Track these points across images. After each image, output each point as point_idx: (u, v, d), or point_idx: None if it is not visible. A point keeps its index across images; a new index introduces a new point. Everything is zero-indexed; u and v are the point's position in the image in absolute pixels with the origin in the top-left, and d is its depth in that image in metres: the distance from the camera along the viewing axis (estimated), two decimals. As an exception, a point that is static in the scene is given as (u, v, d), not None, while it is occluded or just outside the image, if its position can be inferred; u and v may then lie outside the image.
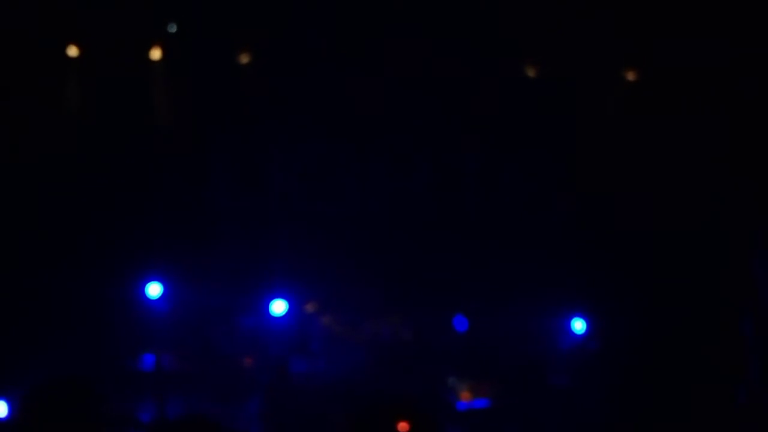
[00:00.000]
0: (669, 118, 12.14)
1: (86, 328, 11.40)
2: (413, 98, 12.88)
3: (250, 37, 13.01)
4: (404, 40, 12.64)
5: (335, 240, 13.22)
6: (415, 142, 13.41)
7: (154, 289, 11.89)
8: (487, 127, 13.04)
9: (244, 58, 12.98)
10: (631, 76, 12.68)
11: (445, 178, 13.57)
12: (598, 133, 12.76)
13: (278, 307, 12.13)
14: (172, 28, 12.78)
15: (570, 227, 12.90)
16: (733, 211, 11.29)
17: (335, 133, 13.34)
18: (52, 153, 12.46)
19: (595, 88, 12.77)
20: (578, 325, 12.06)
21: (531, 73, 12.89)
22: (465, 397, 11.13)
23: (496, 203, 13.53)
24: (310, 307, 12.59)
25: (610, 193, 12.46)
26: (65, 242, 12.11)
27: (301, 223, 13.30)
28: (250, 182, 13.51)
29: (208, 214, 13.24)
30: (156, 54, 12.72)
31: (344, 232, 13.35)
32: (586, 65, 12.52)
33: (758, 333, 9.93)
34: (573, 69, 12.59)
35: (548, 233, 12.98)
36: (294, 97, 13.17)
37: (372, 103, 12.96)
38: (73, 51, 12.49)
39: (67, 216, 12.28)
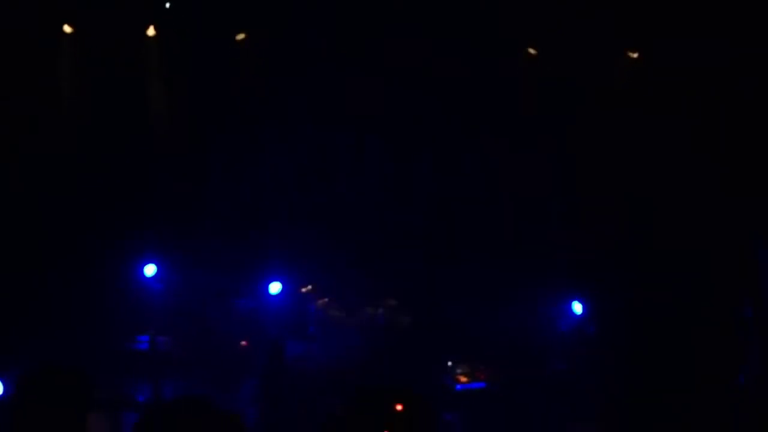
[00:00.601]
0: (669, 109, 12.13)
1: (83, 309, 11.39)
2: (413, 89, 12.85)
3: (247, 25, 12.98)
4: (404, 34, 12.62)
5: (333, 224, 13.20)
6: (414, 131, 13.37)
7: (149, 270, 11.88)
8: (488, 119, 13.02)
9: (242, 41, 12.95)
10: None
11: (443, 166, 13.55)
12: (597, 124, 12.74)
13: (274, 287, 12.12)
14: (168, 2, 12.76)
15: (570, 209, 12.89)
16: (736, 196, 11.27)
17: (334, 122, 13.31)
18: (49, 136, 12.44)
19: (593, 86, 12.77)
20: (577, 308, 12.07)
21: (531, 54, 12.88)
22: (462, 379, 11.12)
23: (495, 190, 13.51)
24: (306, 291, 12.57)
25: (613, 178, 12.45)
26: (61, 225, 12.08)
27: (299, 208, 13.29)
28: (248, 166, 13.48)
29: (205, 198, 13.22)
30: (151, 32, 12.70)
31: (343, 216, 13.34)
32: (585, 62, 12.51)
33: (759, 316, 9.93)
34: (572, 67, 12.58)
35: (547, 217, 12.97)
36: (291, 86, 13.14)
37: (371, 95, 12.93)
38: (67, 30, 12.46)
39: (63, 199, 12.25)
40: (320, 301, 12.45)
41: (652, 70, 12.29)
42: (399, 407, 3.20)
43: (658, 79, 12.23)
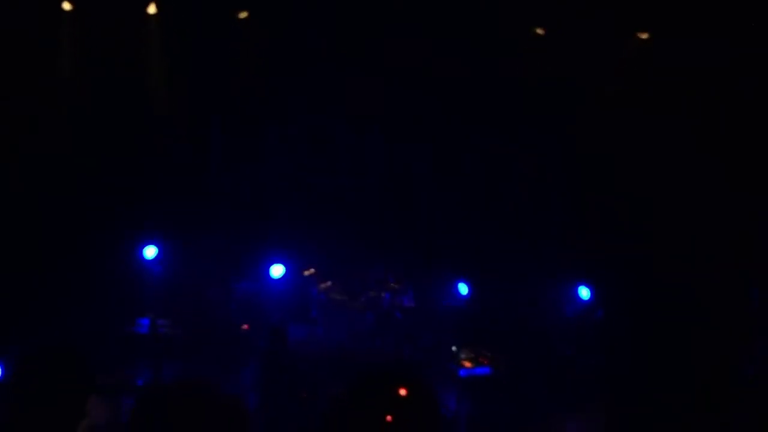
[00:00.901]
0: (672, 98, 12.10)
1: (83, 293, 11.36)
2: (413, 68, 12.83)
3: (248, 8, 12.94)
4: (404, 30, 12.65)
5: (336, 208, 13.19)
6: (416, 117, 13.35)
7: (150, 252, 11.86)
8: (491, 99, 12.99)
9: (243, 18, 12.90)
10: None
11: (445, 146, 13.52)
12: (603, 107, 12.72)
13: (276, 270, 12.09)
14: None
15: (576, 193, 12.88)
16: (743, 180, 11.24)
17: (334, 104, 13.28)
18: (49, 116, 12.39)
19: (597, 66, 12.74)
20: (584, 293, 12.03)
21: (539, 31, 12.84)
22: (467, 365, 11.07)
23: (498, 172, 13.48)
24: (309, 275, 12.54)
25: (617, 160, 12.42)
26: (62, 208, 12.05)
27: (301, 192, 13.28)
28: (250, 147, 13.45)
29: (207, 181, 13.21)
30: (152, 10, 12.63)
31: (346, 198, 13.32)
32: (588, 39, 12.48)
33: (766, 305, 9.90)
34: (576, 46, 12.55)
35: (553, 200, 12.95)
36: (291, 67, 13.11)
37: (370, 82, 12.92)
38: (66, 6, 12.39)
39: (63, 182, 12.22)
40: (323, 285, 12.41)
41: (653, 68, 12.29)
42: (402, 391, 3.14)
43: (659, 75, 12.22)
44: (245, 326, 11.93)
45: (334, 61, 12.83)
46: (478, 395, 10.76)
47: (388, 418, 3.09)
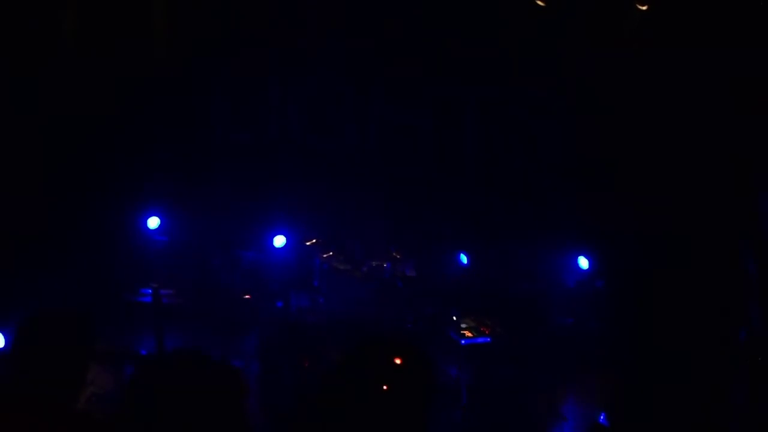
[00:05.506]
0: (675, 54, 12.01)
1: (86, 263, 11.39)
2: (414, 29, 12.75)
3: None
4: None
5: (338, 175, 13.18)
6: (416, 76, 13.28)
7: (153, 222, 11.88)
8: (490, 62, 12.92)
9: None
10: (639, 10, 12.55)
11: (446, 112, 13.47)
12: (603, 70, 12.64)
13: (278, 241, 12.12)
14: None
15: (574, 162, 12.84)
16: (739, 148, 11.19)
17: (336, 66, 13.22)
18: (50, 81, 12.32)
19: (598, 25, 12.65)
20: (583, 263, 12.02)
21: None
22: (467, 334, 11.12)
23: (499, 138, 13.44)
24: (311, 244, 12.55)
25: (615, 130, 12.37)
26: (65, 173, 12.04)
27: (302, 158, 13.26)
28: (251, 115, 13.42)
29: (209, 151, 13.19)
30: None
31: (346, 168, 13.30)
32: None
33: (761, 271, 9.90)
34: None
35: (553, 168, 12.92)
36: (294, 28, 13.04)
37: (373, 35, 12.84)
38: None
39: (67, 146, 12.19)
40: (325, 255, 12.43)
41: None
42: (397, 361, 3.14)
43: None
44: (247, 296, 11.98)
45: (338, 18, 12.78)
46: (479, 364, 10.81)
47: (384, 387, 3.09)
